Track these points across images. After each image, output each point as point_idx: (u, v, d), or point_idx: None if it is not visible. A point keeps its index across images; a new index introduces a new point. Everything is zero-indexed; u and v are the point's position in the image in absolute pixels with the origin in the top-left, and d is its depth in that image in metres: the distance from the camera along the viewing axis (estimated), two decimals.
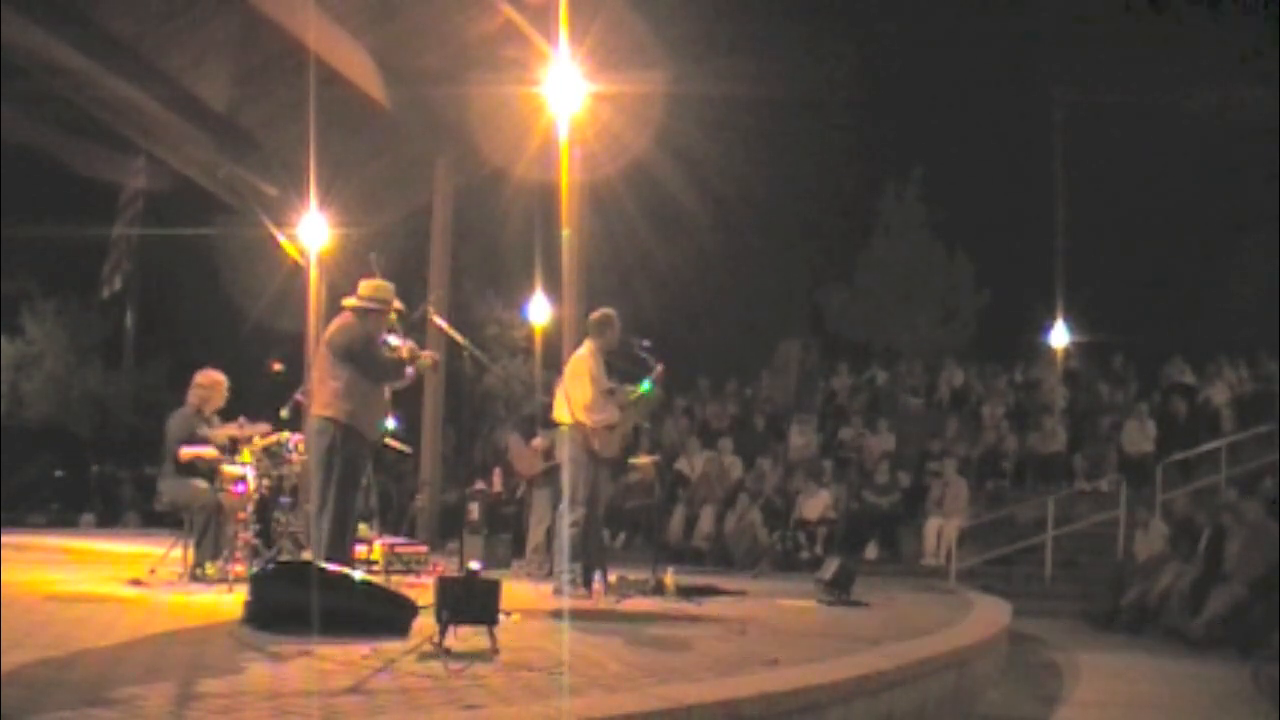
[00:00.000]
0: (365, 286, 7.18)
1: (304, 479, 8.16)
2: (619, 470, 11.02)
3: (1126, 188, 23.08)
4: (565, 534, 8.16)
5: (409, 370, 7.31)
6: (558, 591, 8.11)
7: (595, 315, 8.54)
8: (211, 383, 8.81)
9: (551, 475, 10.13)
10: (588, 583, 8.31)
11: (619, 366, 8.78)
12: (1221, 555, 10.61)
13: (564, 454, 8.34)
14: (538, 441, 10.83)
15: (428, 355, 7.50)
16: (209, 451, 8.54)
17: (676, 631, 6.54)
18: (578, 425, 8.19)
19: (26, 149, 17.48)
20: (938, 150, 24.32)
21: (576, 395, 8.19)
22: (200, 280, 21.41)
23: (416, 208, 17.46)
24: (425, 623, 5.61)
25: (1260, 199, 20.99)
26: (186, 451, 8.54)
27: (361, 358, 6.97)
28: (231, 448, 8.59)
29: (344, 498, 6.91)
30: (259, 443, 8.49)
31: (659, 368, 8.48)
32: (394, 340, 7.23)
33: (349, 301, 7.21)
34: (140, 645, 5.44)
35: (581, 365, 8.28)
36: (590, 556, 8.41)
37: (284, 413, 8.84)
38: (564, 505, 8.27)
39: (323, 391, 7.03)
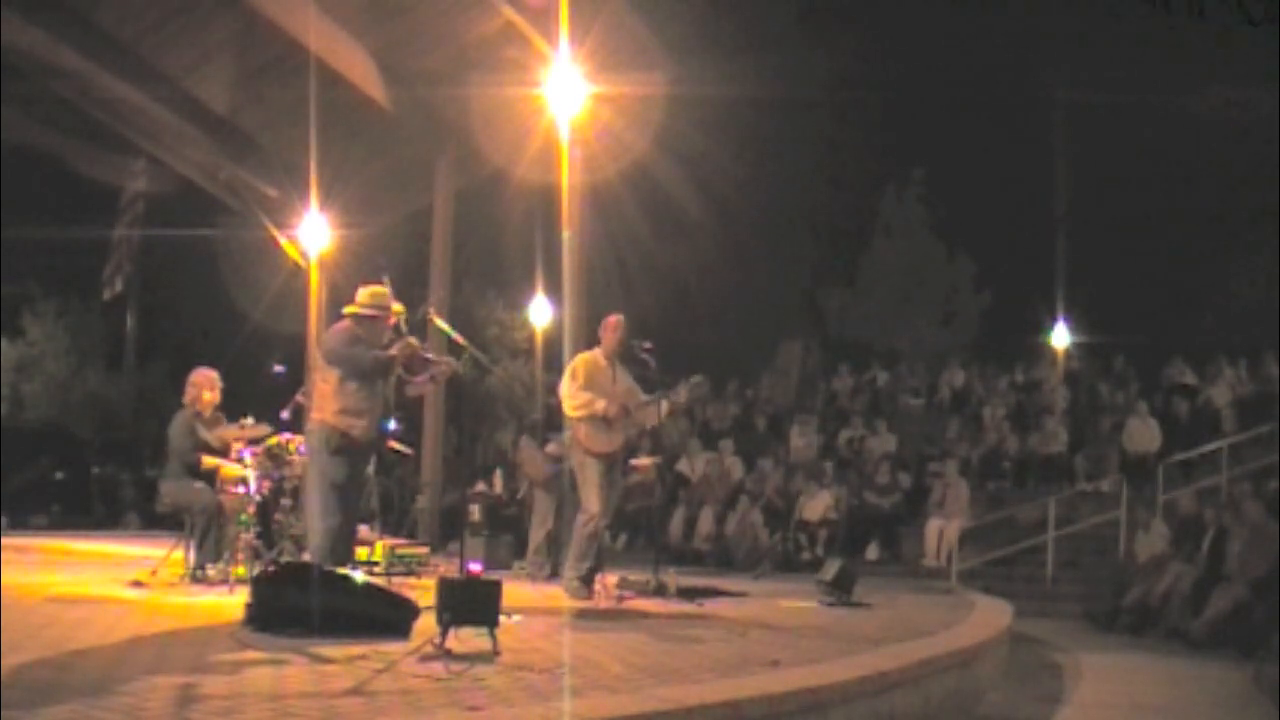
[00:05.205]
0: (364, 293, 7.26)
1: (305, 480, 8.18)
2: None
3: (1127, 188, 23.08)
4: (580, 535, 8.16)
5: (424, 378, 7.40)
6: (560, 592, 8.11)
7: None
8: (202, 380, 8.81)
9: (556, 480, 10.13)
10: (589, 584, 8.32)
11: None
12: (1223, 556, 10.61)
13: (572, 457, 8.41)
14: (552, 447, 10.84)
15: (445, 365, 7.59)
16: (232, 469, 8.53)
17: (678, 632, 6.54)
18: (569, 424, 8.25)
19: (27, 150, 17.45)
20: (938, 151, 24.34)
21: (562, 393, 8.29)
22: (201, 282, 21.41)
23: (417, 209, 17.46)
24: (426, 624, 5.60)
25: (1260, 199, 21.00)
26: (209, 460, 8.57)
27: (341, 358, 7.07)
28: (226, 450, 8.61)
29: (340, 501, 6.95)
30: (260, 443, 8.50)
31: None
32: (414, 340, 7.28)
33: (349, 309, 7.29)
34: (141, 646, 5.45)
35: (573, 364, 8.34)
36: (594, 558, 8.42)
37: (285, 414, 8.87)
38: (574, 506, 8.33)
39: (316, 395, 7.26)
